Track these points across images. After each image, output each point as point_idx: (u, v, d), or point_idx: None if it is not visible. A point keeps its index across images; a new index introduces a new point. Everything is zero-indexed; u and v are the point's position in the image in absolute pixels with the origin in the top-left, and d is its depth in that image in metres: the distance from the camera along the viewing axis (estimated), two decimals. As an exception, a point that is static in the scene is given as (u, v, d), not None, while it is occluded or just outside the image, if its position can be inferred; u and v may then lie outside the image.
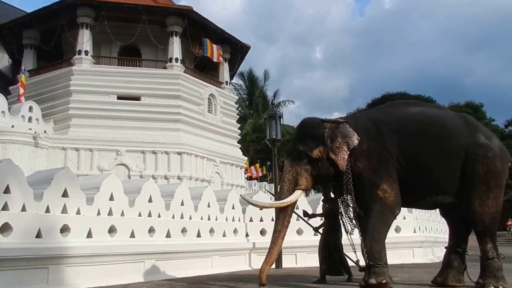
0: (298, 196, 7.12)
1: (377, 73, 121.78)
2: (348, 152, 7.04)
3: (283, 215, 7.00)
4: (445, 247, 7.73)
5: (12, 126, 19.41)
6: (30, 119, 20.60)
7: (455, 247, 7.50)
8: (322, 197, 9.18)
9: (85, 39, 22.74)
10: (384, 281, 6.42)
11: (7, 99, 21.53)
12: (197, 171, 22.73)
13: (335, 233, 8.58)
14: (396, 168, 7.04)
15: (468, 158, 7.07)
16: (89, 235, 8.76)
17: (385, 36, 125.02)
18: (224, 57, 27.18)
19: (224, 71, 28.03)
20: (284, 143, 37.80)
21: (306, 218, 9.38)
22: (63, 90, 22.01)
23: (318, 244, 8.80)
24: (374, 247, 6.64)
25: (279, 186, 7.30)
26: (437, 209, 8.45)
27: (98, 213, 9.03)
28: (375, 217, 6.78)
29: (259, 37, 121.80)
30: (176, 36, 24.13)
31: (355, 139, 7.03)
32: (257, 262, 12.39)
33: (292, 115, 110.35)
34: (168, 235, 10.39)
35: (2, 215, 7.46)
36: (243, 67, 42.44)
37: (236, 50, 28.55)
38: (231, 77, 31.83)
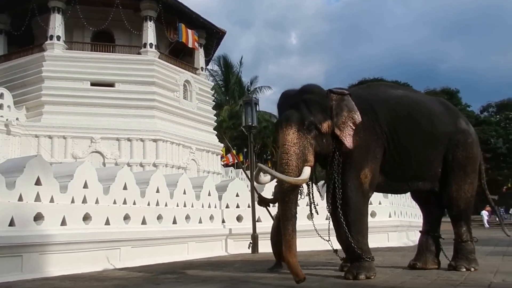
0: (308, 175, 6.18)
1: (353, 59, 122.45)
2: (354, 129, 6.45)
3: (294, 196, 6.11)
4: (420, 231, 7.86)
5: (-17, 114, 19.00)
6: (1, 106, 20.20)
7: (430, 231, 7.63)
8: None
9: (56, 24, 22.28)
10: (372, 277, 6.38)
11: (-22, 86, 21.10)
12: (173, 158, 22.63)
13: None
14: (384, 148, 6.77)
15: (450, 144, 7.20)
16: (63, 223, 8.70)
17: (361, 21, 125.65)
18: (200, 43, 26.98)
19: (200, 57, 27.80)
20: (260, 130, 38.03)
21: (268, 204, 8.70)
22: (35, 77, 21.58)
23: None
24: (361, 239, 6.50)
25: (280, 160, 6.16)
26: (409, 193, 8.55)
27: (72, 201, 8.96)
28: (355, 206, 6.49)
29: (234, 22, 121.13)
30: (150, 21, 23.82)
31: (359, 115, 6.46)
32: (234, 247, 12.50)
33: (268, 102, 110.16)
34: (143, 222, 10.36)
35: (-27, 204, 7.38)
36: (219, 53, 42.34)
37: (212, 36, 28.38)
38: (207, 63, 31.68)
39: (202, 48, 28.00)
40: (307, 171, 6.10)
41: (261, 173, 6.44)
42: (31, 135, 19.82)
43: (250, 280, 6.89)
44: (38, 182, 8.38)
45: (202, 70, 27.86)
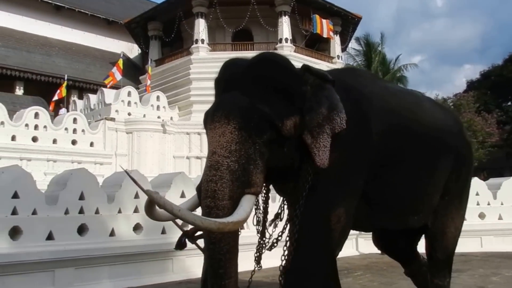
0: (249, 213, 3.31)
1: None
2: (331, 138, 3.65)
3: (230, 240, 3.33)
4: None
5: (144, 116, 21.57)
6: (158, 108, 22.60)
7: None
8: None
9: (200, 28, 24.16)
10: None
11: (138, 88, 23.96)
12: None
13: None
14: (375, 169, 4.15)
15: (456, 161, 5.02)
16: (205, 228, 10.05)
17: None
18: (335, 31, 27.06)
19: (336, 45, 27.95)
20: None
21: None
22: (184, 79, 23.69)
23: None
24: None
25: (205, 182, 3.35)
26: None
27: (212, 210, 10.26)
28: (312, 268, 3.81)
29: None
30: (285, 16, 24.56)
31: (343, 118, 3.69)
32: (364, 247, 12.86)
33: (416, 73, 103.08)
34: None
35: (134, 217, 9.00)
36: (358, 33, 41.68)
37: (347, 22, 28.37)
38: (343, 50, 31.63)
39: (338, 35, 28.09)
40: (247, 205, 3.32)
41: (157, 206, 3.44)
42: (183, 132, 21.95)
43: None
44: (182, 195, 9.79)
45: (338, 58, 27.99)
